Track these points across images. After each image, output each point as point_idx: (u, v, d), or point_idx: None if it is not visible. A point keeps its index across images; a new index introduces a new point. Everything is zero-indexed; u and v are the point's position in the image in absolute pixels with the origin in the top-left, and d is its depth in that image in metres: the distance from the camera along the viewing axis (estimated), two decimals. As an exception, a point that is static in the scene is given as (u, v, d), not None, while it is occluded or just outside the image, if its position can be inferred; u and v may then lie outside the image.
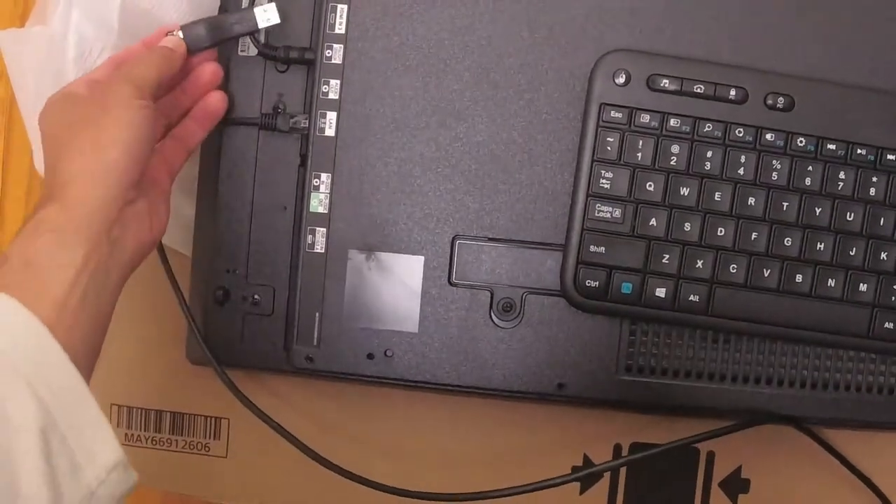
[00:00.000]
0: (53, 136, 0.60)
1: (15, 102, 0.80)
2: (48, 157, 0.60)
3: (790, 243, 0.67)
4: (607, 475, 0.77)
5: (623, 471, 0.77)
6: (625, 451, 0.76)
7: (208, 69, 0.69)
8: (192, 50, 0.68)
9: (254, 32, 0.69)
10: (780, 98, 0.66)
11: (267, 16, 0.69)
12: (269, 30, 0.70)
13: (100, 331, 0.57)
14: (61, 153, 0.58)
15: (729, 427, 0.71)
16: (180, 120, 0.69)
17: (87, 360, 0.55)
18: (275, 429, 0.71)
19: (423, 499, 0.71)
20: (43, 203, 0.57)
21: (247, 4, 0.70)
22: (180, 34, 0.67)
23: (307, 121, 0.70)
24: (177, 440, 0.79)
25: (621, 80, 0.67)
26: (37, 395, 0.50)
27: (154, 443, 0.79)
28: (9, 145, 0.83)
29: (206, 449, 0.79)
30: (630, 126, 0.67)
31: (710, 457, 0.77)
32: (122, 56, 0.66)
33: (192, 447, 0.79)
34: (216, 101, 0.69)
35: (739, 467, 0.77)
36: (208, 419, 0.79)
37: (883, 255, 0.67)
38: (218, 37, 0.69)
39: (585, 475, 0.74)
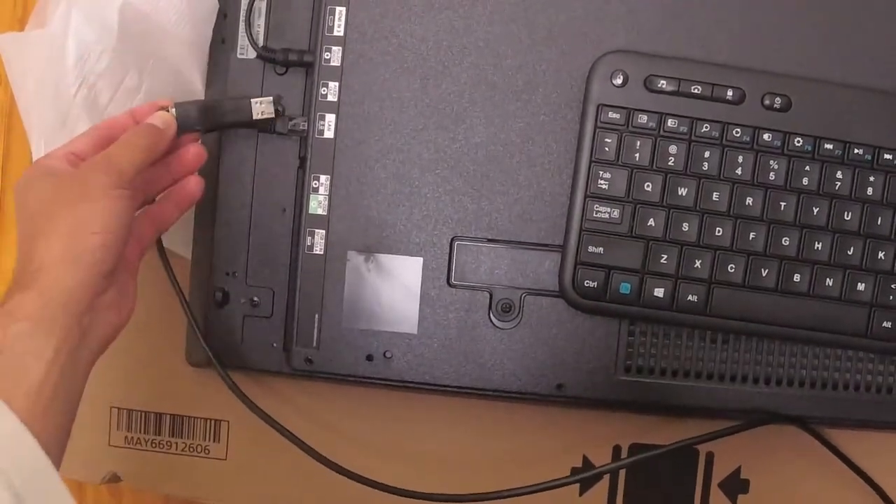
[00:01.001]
0: (29, 215, 0.59)
1: (14, 106, 0.80)
2: (23, 234, 0.59)
3: (788, 243, 0.67)
4: (607, 476, 0.77)
5: (622, 472, 0.77)
6: (624, 453, 0.76)
7: (192, 151, 0.68)
8: (182, 130, 0.67)
9: (246, 124, 0.70)
10: (778, 98, 0.67)
11: (262, 108, 0.70)
12: (267, 32, 0.70)
13: (70, 415, 0.57)
14: (37, 236, 0.58)
15: (732, 428, 0.72)
16: (156, 195, 0.68)
17: (58, 445, 0.55)
18: (278, 430, 0.71)
19: (423, 499, 0.71)
20: (17, 287, 0.56)
21: (244, 15, 0.71)
22: (173, 111, 0.67)
23: (306, 123, 0.70)
24: (176, 442, 0.79)
25: (619, 81, 0.67)
26: (10, 484, 0.50)
27: (154, 445, 0.79)
28: (8, 150, 0.83)
29: (206, 451, 0.79)
30: (628, 127, 0.67)
31: (710, 457, 0.77)
32: (107, 128, 0.66)
33: (191, 449, 0.79)
34: (194, 185, 0.68)
35: (739, 468, 0.77)
36: (208, 421, 0.79)
37: (881, 255, 0.67)
38: (210, 122, 0.69)
39: (585, 477, 0.74)
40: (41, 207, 0.59)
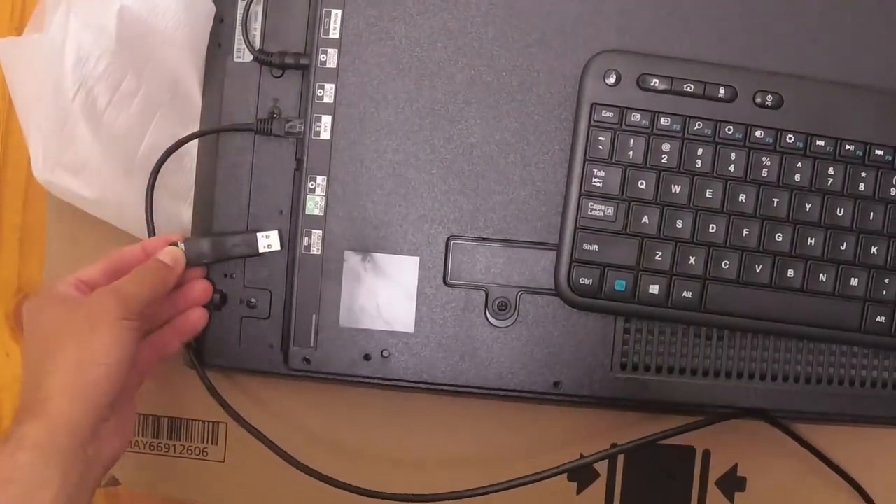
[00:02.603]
0: (37, 341, 0.61)
1: (12, 112, 0.80)
2: (30, 359, 0.61)
3: (781, 239, 0.67)
4: (604, 475, 0.77)
5: (620, 470, 0.78)
6: (622, 452, 0.77)
7: (199, 287, 0.71)
8: (189, 264, 0.69)
9: (253, 255, 0.71)
10: (769, 96, 0.67)
11: (268, 242, 0.71)
12: (264, 36, 0.71)
13: None
14: (45, 361, 0.59)
15: (704, 420, 0.72)
16: (160, 325, 0.70)
17: None
18: (263, 442, 0.72)
19: (415, 501, 0.71)
20: (24, 415, 0.58)
21: (240, 19, 0.72)
22: (182, 246, 0.69)
23: (302, 125, 0.71)
24: (174, 445, 0.79)
25: (612, 80, 0.68)
26: None
27: (152, 448, 0.79)
28: (5, 157, 0.83)
29: (204, 454, 0.79)
30: (621, 125, 0.68)
31: (707, 455, 0.77)
32: (118, 260, 0.68)
33: (189, 452, 0.79)
34: (198, 317, 0.71)
35: (735, 465, 0.77)
36: (206, 424, 0.79)
37: (873, 250, 0.67)
38: (218, 255, 0.71)
39: (573, 468, 0.73)
40: (50, 334, 0.61)
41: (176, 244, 0.69)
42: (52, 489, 0.56)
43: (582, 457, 0.74)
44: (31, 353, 0.62)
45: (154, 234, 0.71)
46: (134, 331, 0.62)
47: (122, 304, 0.61)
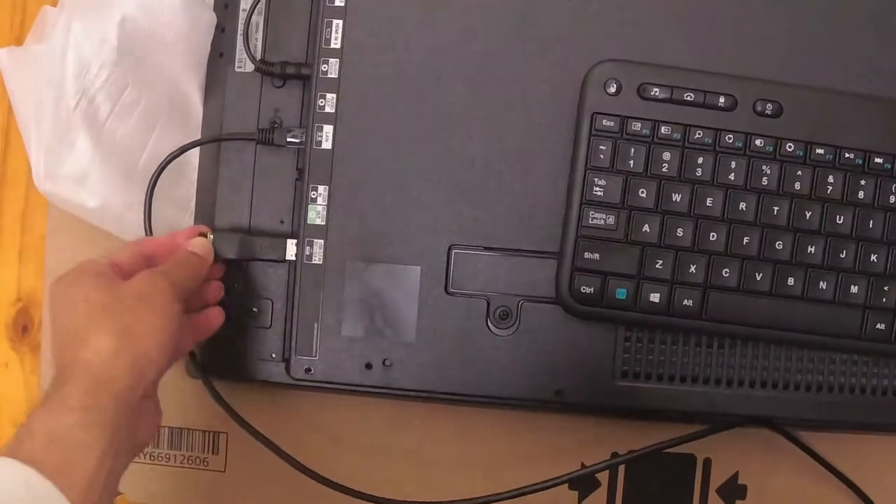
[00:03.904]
0: (77, 310, 0.59)
1: (11, 122, 0.80)
2: (68, 324, 0.59)
3: (781, 247, 0.68)
4: (605, 483, 0.78)
5: (621, 479, 0.78)
6: (622, 460, 0.77)
7: (214, 287, 0.71)
8: (217, 258, 0.70)
9: (279, 261, 0.72)
10: (769, 104, 0.68)
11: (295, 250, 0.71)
12: (265, 45, 0.71)
13: None
14: (88, 329, 0.58)
15: (708, 429, 0.72)
16: None
17: None
18: (270, 447, 0.72)
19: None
20: (65, 377, 0.56)
21: (241, 29, 0.72)
22: (211, 237, 0.70)
23: (304, 135, 0.71)
24: (175, 455, 0.79)
25: (612, 89, 0.68)
26: None
27: (152, 458, 0.79)
28: (4, 166, 0.83)
29: (205, 463, 0.79)
30: (622, 134, 0.68)
31: (707, 463, 0.77)
32: (149, 247, 0.68)
33: (190, 462, 0.79)
34: (216, 315, 0.71)
35: (736, 473, 0.77)
36: (206, 434, 0.79)
37: (873, 257, 0.68)
38: (243, 254, 0.71)
39: (575, 478, 0.74)
40: (94, 304, 0.59)
41: (205, 235, 0.70)
42: (96, 453, 0.54)
43: (584, 466, 0.74)
44: (68, 318, 0.59)
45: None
46: (182, 314, 0.62)
47: (175, 287, 0.61)
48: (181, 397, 0.78)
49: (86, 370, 0.56)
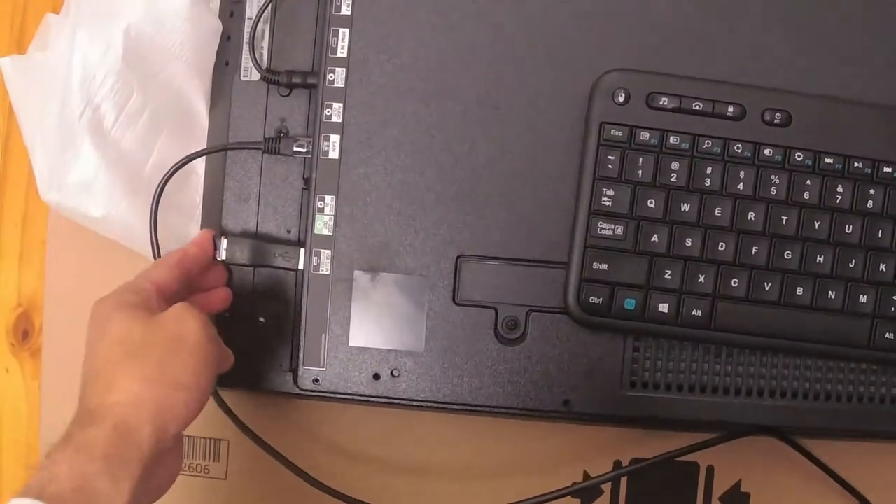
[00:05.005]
0: (110, 344, 0.58)
1: (12, 129, 0.80)
2: (99, 359, 0.58)
3: (790, 256, 0.68)
4: (608, 491, 0.78)
5: (624, 486, 0.77)
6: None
7: (221, 294, 0.71)
8: (230, 263, 0.71)
9: (293, 270, 0.72)
10: (778, 114, 0.67)
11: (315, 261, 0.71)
12: (271, 54, 0.71)
13: None
14: (116, 371, 0.57)
15: (718, 437, 0.72)
16: None
17: None
18: (273, 455, 0.72)
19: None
20: (91, 419, 0.56)
21: (247, 37, 0.71)
22: (224, 243, 0.70)
23: (310, 144, 0.71)
24: (177, 463, 0.79)
25: (621, 98, 0.68)
26: None
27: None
28: (5, 170, 0.82)
29: (206, 471, 0.79)
30: (630, 144, 0.68)
31: (710, 471, 0.77)
32: (189, 264, 0.67)
33: (191, 469, 0.79)
34: (224, 297, 0.72)
35: (739, 481, 0.77)
36: (207, 441, 0.78)
37: (882, 267, 0.68)
38: (256, 260, 0.71)
39: (580, 489, 0.74)
40: (127, 340, 0.58)
41: (219, 248, 0.70)
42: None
43: (587, 475, 0.74)
44: (100, 354, 0.58)
45: (159, 252, 0.71)
46: (217, 356, 0.60)
47: (206, 328, 0.60)
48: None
49: (109, 417, 0.55)
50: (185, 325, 0.59)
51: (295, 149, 0.71)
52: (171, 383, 0.57)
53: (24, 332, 0.82)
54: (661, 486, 0.78)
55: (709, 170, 0.67)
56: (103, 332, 0.59)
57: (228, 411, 0.72)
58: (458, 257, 0.70)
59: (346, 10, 0.70)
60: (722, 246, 0.68)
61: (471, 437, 0.77)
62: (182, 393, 0.58)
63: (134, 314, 0.59)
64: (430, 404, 0.71)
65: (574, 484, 0.73)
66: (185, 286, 0.65)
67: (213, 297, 0.71)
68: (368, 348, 0.70)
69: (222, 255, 0.71)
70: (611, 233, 0.68)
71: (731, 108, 0.68)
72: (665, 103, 0.68)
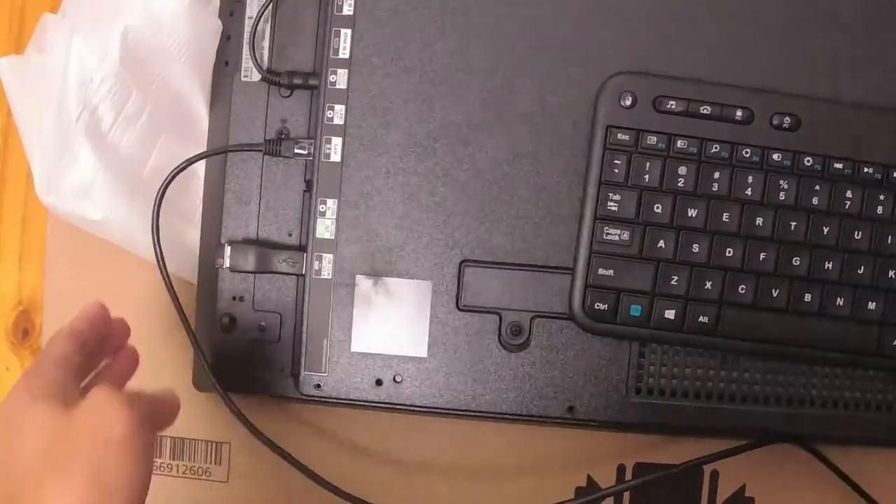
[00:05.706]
0: (36, 456, 0.51)
1: (10, 130, 0.79)
2: (24, 476, 0.50)
3: (798, 263, 0.67)
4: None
5: (627, 490, 0.77)
6: (629, 472, 0.76)
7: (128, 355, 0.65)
8: (232, 270, 0.70)
9: (297, 275, 0.71)
10: (786, 118, 0.67)
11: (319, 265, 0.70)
12: (272, 54, 0.70)
13: None
14: (47, 490, 0.50)
15: (738, 447, 0.72)
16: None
17: None
18: (283, 456, 0.71)
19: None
20: None
21: (248, 37, 0.71)
22: (228, 249, 0.70)
23: (312, 146, 0.70)
24: (177, 465, 0.78)
25: (627, 102, 0.67)
26: None
27: (154, 468, 0.78)
28: (4, 169, 0.82)
29: (208, 474, 0.78)
30: (637, 148, 0.67)
31: (714, 476, 0.77)
32: (98, 328, 0.61)
33: (192, 472, 0.78)
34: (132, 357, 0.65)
35: (743, 486, 0.77)
36: (209, 444, 0.78)
37: (891, 273, 0.67)
38: (261, 267, 0.70)
39: (589, 500, 0.74)
40: (52, 446, 0.51)
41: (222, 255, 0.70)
42: None
43: (594, 484, 0.74)
44: (21, 465, 0.51)
45: (161, 255, 0.70)
46: (150, 440, 0.53)
47: (131, 413, 0.52)
48: (184, 408, 0.76)
49: None
50: (108, 417, 0.52)
51: (296, 151, 0.70)
52: (105, 491, 0.50)
53: (25, 331, 0.82)
54: (664, 490, 0.77)
55: (716, 175, 0.67)
56: (20, 435, 0.52)
57: (238, 413, 0.71)
58: (462, 262, 0.69)
59: (347, 9, 0.69)
60: (729, 252, 0.67)
61: (474, 440, 0.76)
62: (117, 498, 0.50)
63: (50, 410, 0.52)
64: (432, 410, 0.70)
65: (577, 492, 0.73)
66: (86, 356, 0.58)
67: (121, 360, 0.64)
68: (371, 353, 0.70)
69: (227, 264, 0.70)
70: (617, 238, 0.67)
71: (739, 112, 0.67)
72: (672, 107, 0.67)
